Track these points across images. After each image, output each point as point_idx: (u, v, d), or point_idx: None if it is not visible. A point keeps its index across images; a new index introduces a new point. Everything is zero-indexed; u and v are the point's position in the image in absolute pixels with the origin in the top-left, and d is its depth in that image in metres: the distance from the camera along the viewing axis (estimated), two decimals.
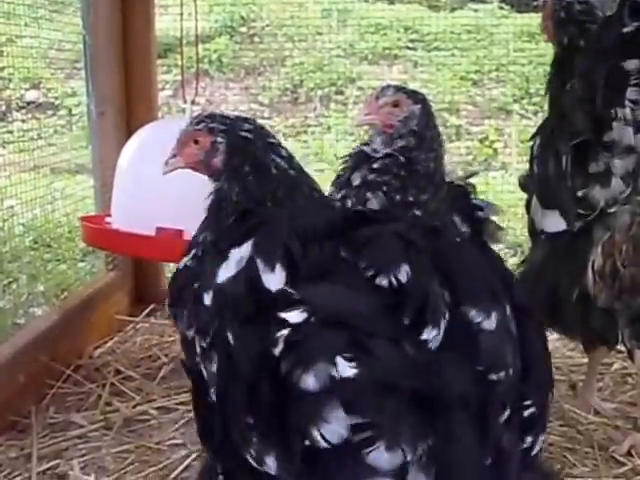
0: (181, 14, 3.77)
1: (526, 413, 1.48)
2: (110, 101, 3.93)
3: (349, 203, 2.20)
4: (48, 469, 2.66)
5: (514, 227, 4.54)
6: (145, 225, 3.08)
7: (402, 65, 8.15)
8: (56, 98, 7.47)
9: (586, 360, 3.15)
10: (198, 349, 1.63)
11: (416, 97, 2.29)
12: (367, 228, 1.52)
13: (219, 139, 1.92)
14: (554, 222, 2.70)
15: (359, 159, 2.28)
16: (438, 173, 2.30)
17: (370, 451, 1.28)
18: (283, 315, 1.36)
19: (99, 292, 3.81)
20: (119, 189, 3.35)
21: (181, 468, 2.65)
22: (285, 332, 1.34)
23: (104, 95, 3.90)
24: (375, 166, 2.24)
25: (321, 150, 7.35)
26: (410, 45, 8.27)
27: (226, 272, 1.56)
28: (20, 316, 3.88)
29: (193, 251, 1.95)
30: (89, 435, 2.88)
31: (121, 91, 3.99)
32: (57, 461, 2.70)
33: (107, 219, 3.43)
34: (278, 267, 1.48)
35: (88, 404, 3.11)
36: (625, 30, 2.54)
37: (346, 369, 1.29)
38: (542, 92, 3.09)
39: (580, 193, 2.59)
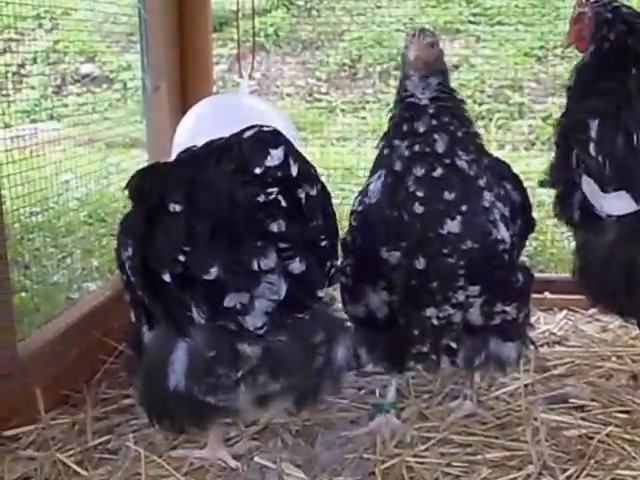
0: None
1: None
2: (165, 75, 3.90)
3: (416, 148, 2.45)
4: (100, 444, 2.68)
5: None
6: None
7: (464, 40, 7.95)
8: (111, 72, 7.49)
9: None
10: None
11: (440, 39, 2.57)
12: None
13: None
14: (621, 204, 2.61)
15: (412, 109, 2.50)
16: None
17: None
18: None
19: None
20: None
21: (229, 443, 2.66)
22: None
23: (159, 69, 3.87)
24: (432, 112, 2.48)
25: (379, 127, 7.22)
26: (472, 19, 8.06)
27: None
28: (74, 291, 3.91)
29: None
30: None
31: (176, 65, 3.96)
32: (109, 436, 2.72)
33: None
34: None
35: None
36: None
37: None
38: None
39: None
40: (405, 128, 2.49)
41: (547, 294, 3.88)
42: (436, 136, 2.45)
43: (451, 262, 2.43)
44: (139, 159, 4.26)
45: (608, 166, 2.64)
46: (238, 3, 3.83)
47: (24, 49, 5.13)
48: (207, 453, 2.57)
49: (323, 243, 2.19)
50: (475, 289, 2.48)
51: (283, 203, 2.05)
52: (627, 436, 2.66)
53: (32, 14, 5.11)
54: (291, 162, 2.05)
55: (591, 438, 2.64)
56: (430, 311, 2.51)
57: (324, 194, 2.22)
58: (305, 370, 2.27)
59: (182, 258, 2.04)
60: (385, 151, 2.56)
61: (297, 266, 2.11)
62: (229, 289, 2.08)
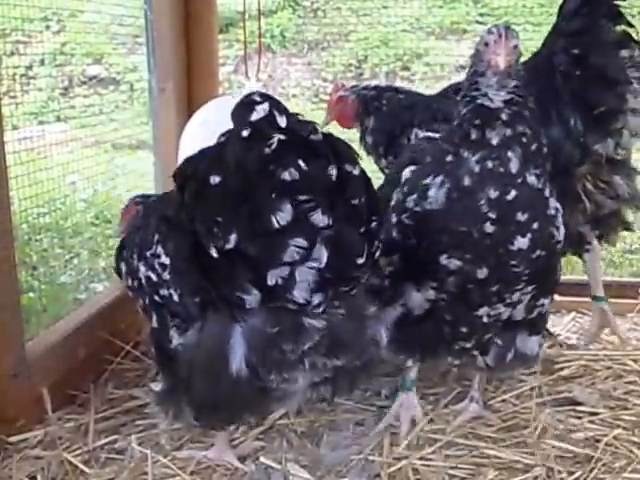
0: None
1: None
2: (171, 77, 3.91)
3: (489, 165, 2.28)
4: (106, 444, 2.69)
5: None
6: None
7: (470, 40, 7.93)
8: (118, 73, 7.52)
9: None
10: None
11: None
12: None
13: None
14: None
15: (483, 114, 2.31)
16: None
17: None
18: None
19: None
20: None
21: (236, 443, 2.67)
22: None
23: (165, 71, 3.88)
24: (505, 118, 2.28)
25: None
26: (479, 19, 8.06)
27: None
28: (81, 291, 3.93)
29: None
30: (147, 412, 2.88)
31: (182, 67, 3.97)
32: (115, 436, 2.73)
33: None
34: None
35: (147, 380, 3.11)
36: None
37: None
38: None
39: None
40: (474, 136, 2.32)
41: (555, 296, 3.85)
42: (510, 154, 2.29)
43: (517, 271, 2.38)
44: (145, 161, 4.28)
45: None
46: (244, 4, 3.83)
47: (31, 51, 5.15)
48: (213, 454, 2.57)
49: (373, 224, 2.12)
50: (531, 287, 2.45)
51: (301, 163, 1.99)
52: (635, 439, 2.65)
53: (39, 16, 5.14)
54: (276, 114, 2.00)
55: (598, 441, 2.63)
56: (483, 310, 2.47)
57: (364, 176, 2.18)
58: (358, 346, 2.26)
59: (216, 230, 2.02)
60: (449, 157, 2.38)
61: (319, 217, 2.01)
62: (262, 262, 2.03)
